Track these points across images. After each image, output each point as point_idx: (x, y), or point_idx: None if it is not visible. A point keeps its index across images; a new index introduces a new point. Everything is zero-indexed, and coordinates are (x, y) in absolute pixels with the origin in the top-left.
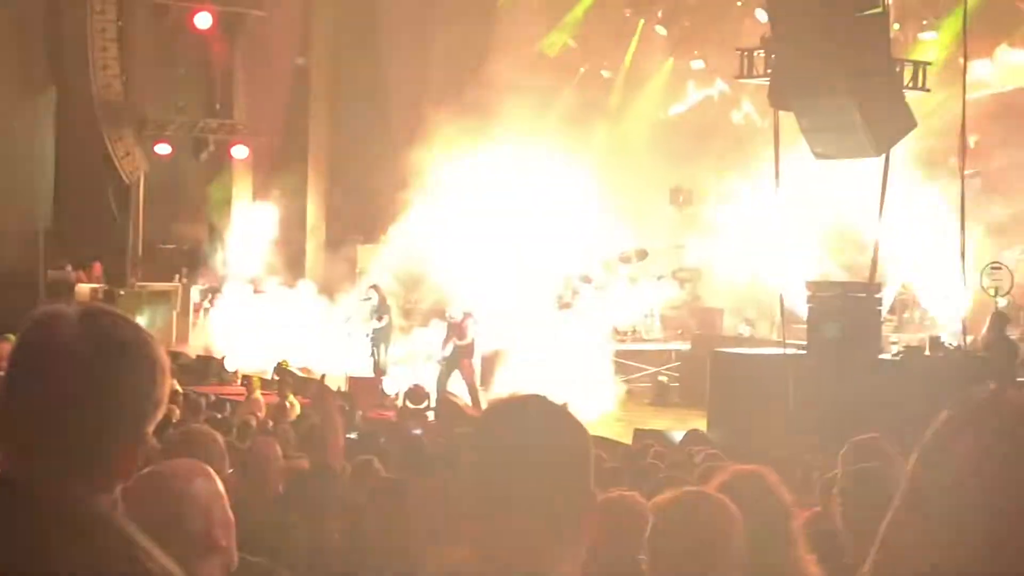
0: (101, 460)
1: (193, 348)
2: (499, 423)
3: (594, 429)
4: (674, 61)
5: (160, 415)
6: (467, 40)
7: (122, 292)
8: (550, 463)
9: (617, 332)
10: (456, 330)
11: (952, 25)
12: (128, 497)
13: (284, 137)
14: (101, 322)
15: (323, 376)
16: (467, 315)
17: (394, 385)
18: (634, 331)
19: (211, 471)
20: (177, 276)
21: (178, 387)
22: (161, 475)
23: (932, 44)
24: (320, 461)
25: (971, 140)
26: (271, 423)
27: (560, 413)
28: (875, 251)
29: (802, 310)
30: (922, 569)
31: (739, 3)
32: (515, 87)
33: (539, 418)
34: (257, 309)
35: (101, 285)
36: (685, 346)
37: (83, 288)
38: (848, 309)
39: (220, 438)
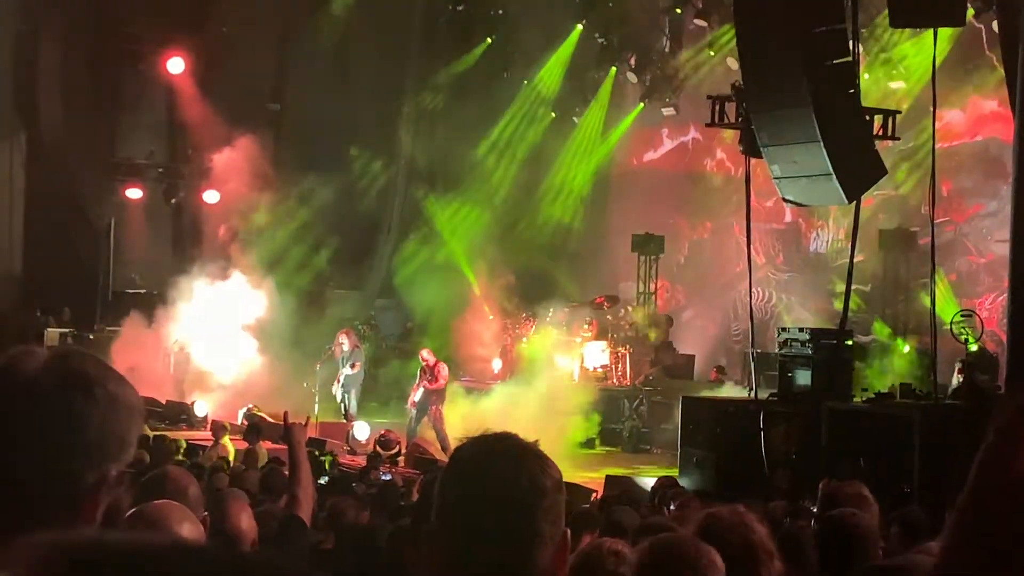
0: (63, 501)
1: (163, 393)
2: (469, 462)
3: (564, 475)
4: (646, 108)
5: (129, 457)
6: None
7: (91, 336)
8: (521, 502)
9: (587, 374)
10: (428, 374)
11: (922, 75)
12: None
13: (256, 182)
14: (69, 362)
15: (305, 419)
16: (439, 360)
17: (364, 431)
18: (604, 376)
19: (193, 515)
20: (147, 321)
21: (148, 431)
22: (149, 517)
23: (902, 93)
24: (288, 511)
25: (943, 189)
26: (241, 468)
27: (530, 451)
28: (846, 296)
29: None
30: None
31: (711, 52)
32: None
33: (509, 456)
34: (227, 353)
35: (70, 330)
36: (655, 392)
37: (52, 332)
38: (818, 356)
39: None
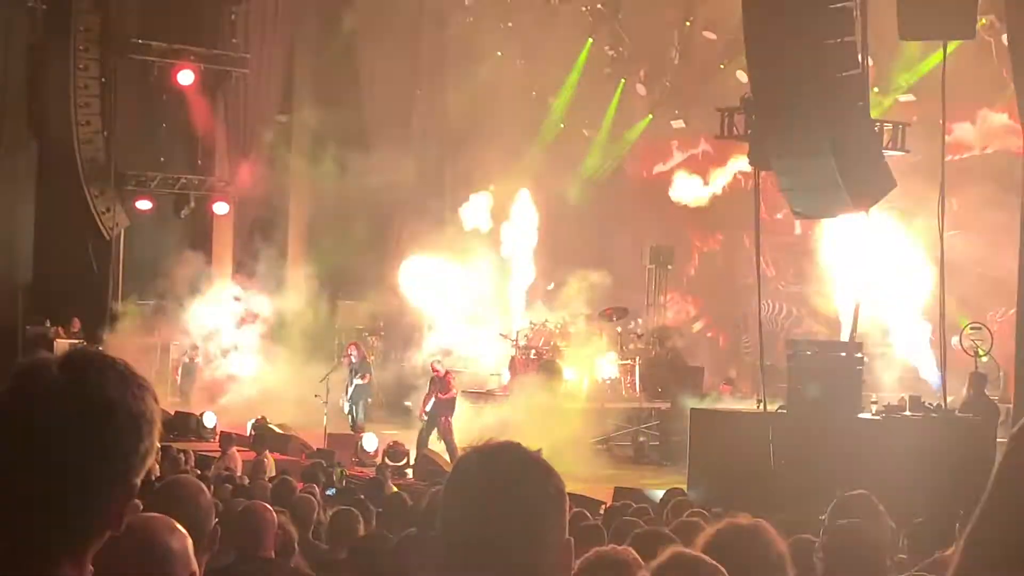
0: (94, 520)
1: (172, 404)
2: (473, 470)
3: (573, 486)
4: (654, 120)
5: (149, 464)
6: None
7: (100, 347)
8: (524, 510)
9: (597, 385)
10: (439, 384)
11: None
12: (108, 553)
13: (265, 194)
14: (87, 386)
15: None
16: (448, 370)
17: (373, 442)
18: (614, 387)
19: (180, 527)
20: (156, 332)
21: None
22: (141, 531)
23: (912, 106)
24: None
25: (952, 201)
26: (247, 480)
27: (533, 460)
28: (856, 310)
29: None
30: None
31: (721, 65)
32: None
33: (512, 465)
34: (236, 365)
35: (79, 341)
36: (665, 404)
37: (62, 343)
38: (828, 368)
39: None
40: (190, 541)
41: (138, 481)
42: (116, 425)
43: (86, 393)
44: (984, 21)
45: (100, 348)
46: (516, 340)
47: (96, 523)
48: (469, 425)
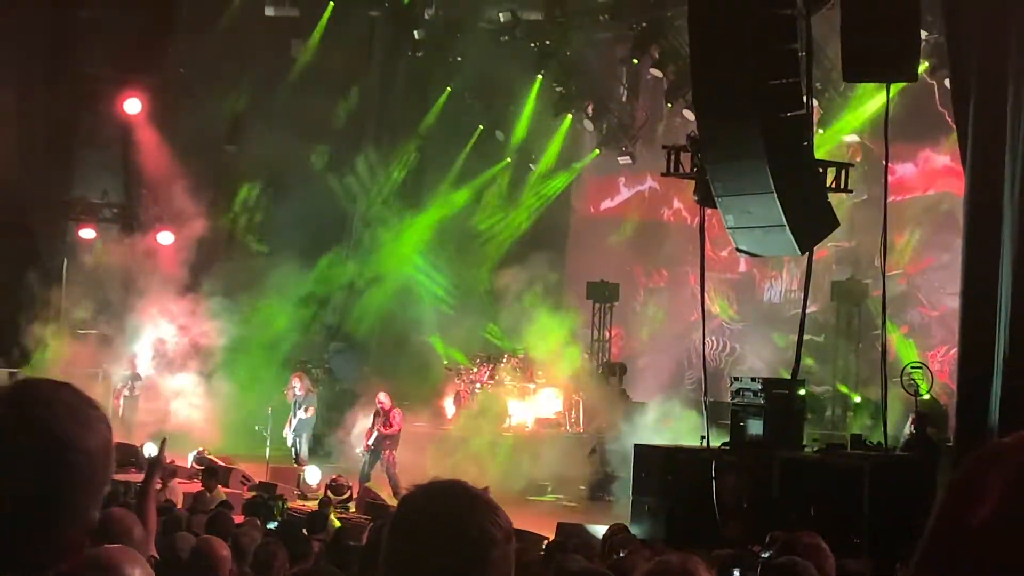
0: (41, 555)
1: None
2: (418, 509)
3: (516, 522)
4: (603, 156)
5: (103, 494)
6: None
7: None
8: (470, 551)
9: (541, 420)
10: (383, 417)
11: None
12: None
13: (212, 225)
14: (33, 413)
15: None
16: (394, 404)
17: (315, 475)
18: (558, 423)
19: (143, 559)
20: (97, 361)
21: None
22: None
23: (855, 147)
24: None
25: (895, 241)
26: (186, 513)
27: (480, 499)
28: (798, 347)
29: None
30: None
31: (670, 106)
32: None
33: (458, 504)
34: (178, 396)
35: (19, 370)
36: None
37: (2, 372)
38: (771, 405)
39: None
40: (152, 572)
41: (96, 514)
42: (69, 462)
43: (35, 430)
44: (927, 65)
45: (45, 377)
46: (462, 373)
47: (51, 556)
48: (414, 458)
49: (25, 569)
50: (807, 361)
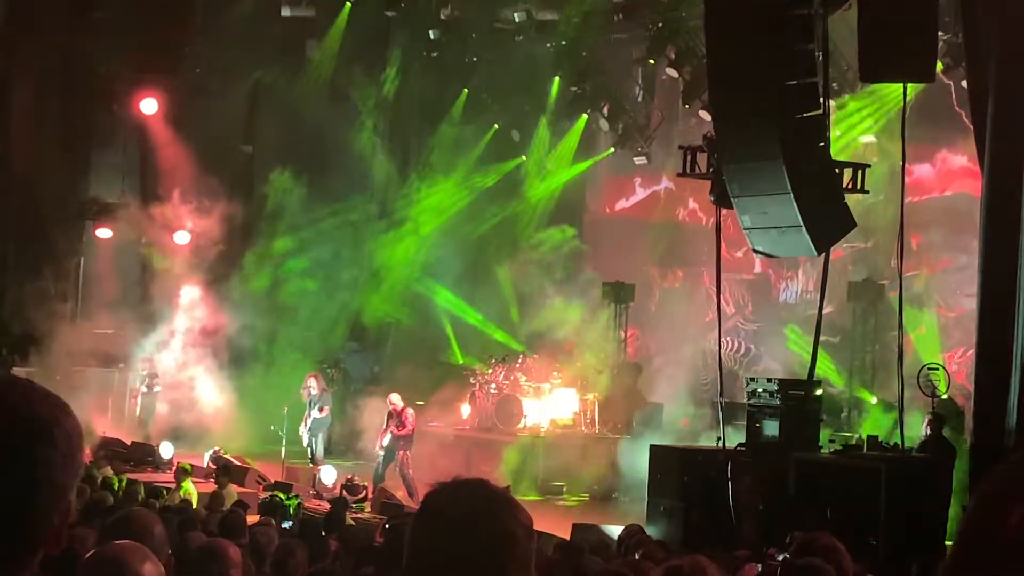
0: (33, 540)
1: (128, 434)
2: (441, 506)
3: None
4: (618, 156)
5: (71, 494)
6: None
7: (58, 377)
8: (492, 547)
9: (556, 421)
10: (396, 418)
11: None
12: None
13: (228, 224)
14: (18, 411)
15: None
16: (406, 405)
17: (331, 475)
18: (573, 423)
19: (153, 555)
20: (115, 360)
21: (111, 473)
22: (113, 559)
23: (872, 147)
24: None
25: (912, 243)
26: (204, 512)
27: (501, 497)
28: (815, 348)
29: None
30: None
31: (687, 106)
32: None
33: (481, 501)
34: (194, 395)
35: (37, 369)
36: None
37: (19, 371)
38: (787, 406)
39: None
40: (163, 569)
41: (73, 497)
42: (57, 452)
43: (13, 409)
44: (942, 65)
45: (58, 377)
46: (476, 373)
47: (35, 542)
48: (430, 459)
49: (9, 550)
50: (823, 362)
